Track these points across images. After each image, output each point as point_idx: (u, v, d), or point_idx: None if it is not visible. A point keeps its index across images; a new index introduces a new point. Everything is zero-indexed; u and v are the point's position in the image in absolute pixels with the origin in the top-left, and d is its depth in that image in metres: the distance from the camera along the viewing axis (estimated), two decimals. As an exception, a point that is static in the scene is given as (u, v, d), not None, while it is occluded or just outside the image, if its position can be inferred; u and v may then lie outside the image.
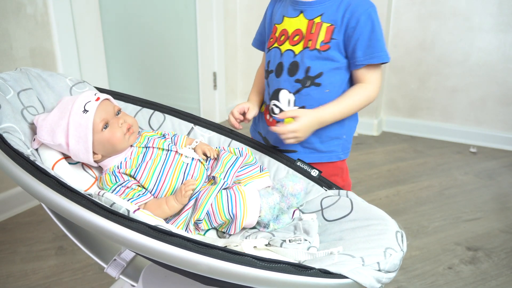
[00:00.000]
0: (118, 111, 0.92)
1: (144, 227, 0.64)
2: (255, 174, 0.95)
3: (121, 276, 0.95)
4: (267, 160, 1.03)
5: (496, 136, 2.59)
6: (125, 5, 2.52)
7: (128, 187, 0.87)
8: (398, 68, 2.76)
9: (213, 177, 0.91)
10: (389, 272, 0.70)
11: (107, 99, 0.90)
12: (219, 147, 1.02)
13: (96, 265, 1.47)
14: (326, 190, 0.97)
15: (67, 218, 0.67)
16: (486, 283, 1.41)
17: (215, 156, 0.97)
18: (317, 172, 1.00)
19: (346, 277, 0.66)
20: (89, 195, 0.79)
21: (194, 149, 0.97)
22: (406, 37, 2.68)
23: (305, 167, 1.01)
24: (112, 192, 0.86)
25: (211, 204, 0.84)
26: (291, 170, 1.01)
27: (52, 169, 0.84)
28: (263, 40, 1.13)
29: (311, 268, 0.66)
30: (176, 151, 0.92)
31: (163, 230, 0.64)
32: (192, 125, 1.11)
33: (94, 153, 0.88)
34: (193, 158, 0.92)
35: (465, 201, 1.95)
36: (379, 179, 2.17)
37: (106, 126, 0.88)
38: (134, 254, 0.98)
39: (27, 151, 0.79)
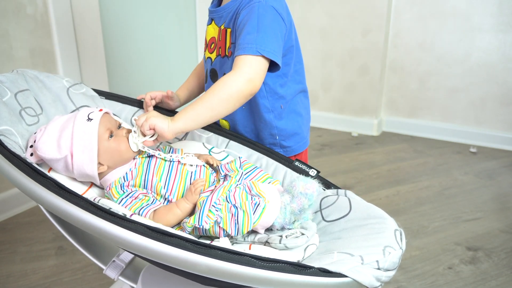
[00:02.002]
0: (119, 125, 0.91)
1: (142, 227, 0.64)
2: (266, 178, 0.94)
3: (120, 278, 0.95)
4: (265, 160, 1.03)
5: (496, 136, 2.58)
6: (125, 5, 2.52)
7: (135, 198, 0.85)
8: (398, 68, 2.76)
9: (225, 175, 0.90)
10: (389, 270, 0.70)
11: (107, 112, 0.89)
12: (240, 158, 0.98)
13: (96, 265, 1.46)
14: (324, 190, 0.96)
15: (65, 220, 0.67)
16: (486, 283, 1.41)
17: (218, 164, 0.96)
18: (315, 171, 0.99)
19: (346, 276, 0.66)
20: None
21: (197, 157, 0.95)
22: (406, 37, 2.68)
23: (303, 167, 1.00)
24: (119, 203, 0.84)
25: (237, 208, 0.81)
26: (289, 171, 1.01)
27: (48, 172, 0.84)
28: None
29: (310, 267, 0.66)
30: (179, 161, 0.91)
31: (161, 230, 0.64)
32: (190, 125, 1.10)
33: (99, 164, 0.85)
34: (197, 165, 0.91)
35: (465, 201, 1.95)
36: (379, 179, 2.17)
37: (111, 135, 0.86)
38: (133, 255, 0.97)
39: (23, 154, 0.78)
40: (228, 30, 0.96)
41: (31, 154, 0.83)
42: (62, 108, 0.98)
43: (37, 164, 0.81)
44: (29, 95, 0.91)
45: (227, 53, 0.97)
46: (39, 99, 0.93)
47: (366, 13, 2.63)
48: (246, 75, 0.86)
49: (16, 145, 0.79)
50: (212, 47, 1.01)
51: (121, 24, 2.51)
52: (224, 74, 1.00)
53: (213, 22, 1.00)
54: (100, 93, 1.08)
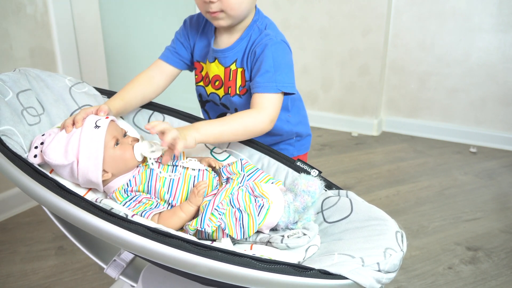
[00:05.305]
0: (125, 134, 0.91)
1: (143, 228, 0.64)
2: (268, 179, 0.94)
3: (120, 277, 0.95)
4: (267, 160, 1.03)
5: (496, 136, 2.58)
6: (125, 5, 2.52)
7: (139, 202, 0.85)
8: (398, 68, 2.75)
9: (227, 178, 0.90)
10: (389, 272, 0.70)
11: (113, 120, 0.89)
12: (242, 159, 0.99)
13: (96, 265, 1.47)
14: (326, 191, 0.96)
15: (66, 220, 0.67)
16: (486, 283, 1.41)
17: (220, 166, 0.96)
18: (317, 172, 0.99)
19: (346, 278, 0.66)
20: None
21: (199, 161, 0.95)
22: (406, 37, 2.68)
23: (305, 167, 1.00)
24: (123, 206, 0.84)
25: (241, 211, 0.82)
26: (291, 171, 1.01)
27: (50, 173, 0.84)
28: (179, 59, 1.11)
29: (311, 269, 0.66)
30: (182, 166, 0.91)
31: (162, 231, 0.64)
32: (191, 125, 1.10)
33: (104, 171, 0.85)
34: (199, 170, 0.91)
35: (465, 201, 1.95)
36: (379, 179, 2.17)
37: (117, 143, 0.87)
38: (134, 255, 0.97)
39: (25, 155, 0.78)
40: (240, 70, 1.00)
41: (35, 156, 0.82)
42: (65, 107, 0.98)
43: (39, 165, 0.81)
44: (31, 95, 0.91)
45: (238, 92, 1.02)
46: (40, 99, 0.93)
47: (366, 13, 2.63)
48: (271, 116, 0.93)
49: (17, 145, 0.79)
50: (216, 84, 1.05)
51: (121, 24, 2.50)
52: (236, 108, 1.05)
53: (216, 60, 1.02)
54: (102, 91, 1.08)
